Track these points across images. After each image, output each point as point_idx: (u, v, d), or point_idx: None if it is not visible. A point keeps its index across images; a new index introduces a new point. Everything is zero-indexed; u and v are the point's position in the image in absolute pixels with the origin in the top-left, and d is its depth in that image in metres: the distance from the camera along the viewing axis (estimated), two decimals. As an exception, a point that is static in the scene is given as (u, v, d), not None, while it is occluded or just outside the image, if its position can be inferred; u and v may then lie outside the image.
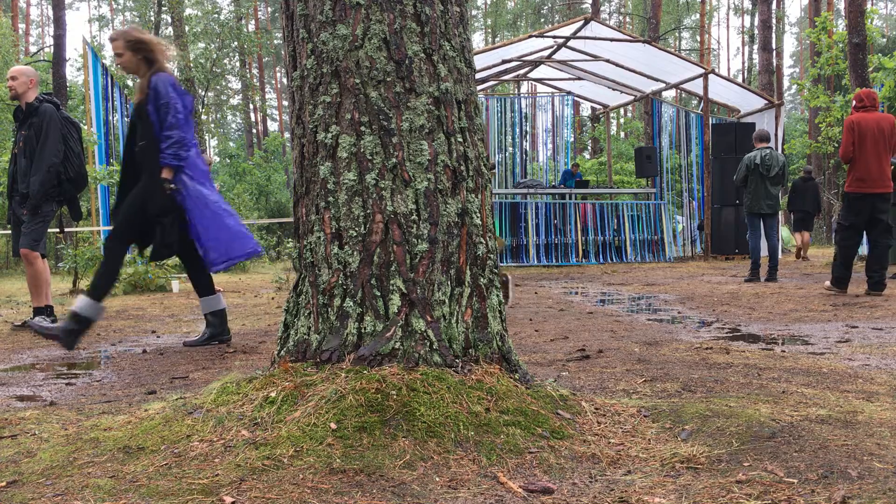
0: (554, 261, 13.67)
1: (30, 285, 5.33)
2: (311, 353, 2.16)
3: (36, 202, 5.13)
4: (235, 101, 39.13)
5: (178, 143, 3.93)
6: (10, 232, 6.65)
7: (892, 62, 10.79)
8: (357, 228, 2.14)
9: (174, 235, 4.05)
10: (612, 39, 13.80)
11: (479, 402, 1.97)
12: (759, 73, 21.88)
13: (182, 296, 8.54)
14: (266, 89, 45.00)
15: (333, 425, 1.84)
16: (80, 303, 3.92)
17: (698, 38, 40.69)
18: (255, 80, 39.25)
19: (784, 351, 3.64)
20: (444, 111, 2.20)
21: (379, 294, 2.11)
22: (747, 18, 37.02)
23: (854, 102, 6.75)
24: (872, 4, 40.06)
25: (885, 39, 31.04)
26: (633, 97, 16.92)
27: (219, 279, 10.75)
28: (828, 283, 6.83)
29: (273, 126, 46.86)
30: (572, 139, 22.15)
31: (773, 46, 23.81)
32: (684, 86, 15.12)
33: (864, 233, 6.73)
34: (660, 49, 14.42)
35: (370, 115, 2.15)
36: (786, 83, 44.71)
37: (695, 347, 3.77)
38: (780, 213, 10.07)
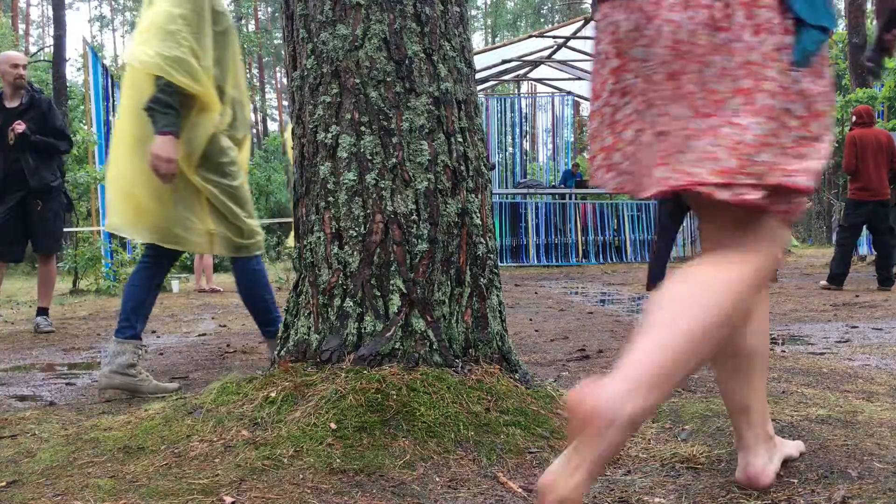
0: (554, 261, 13.67)
1: (44, 285, 5.27)
2: (311, 353, 2.16)
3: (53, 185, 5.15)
4: (235, 101, 38.98)
5: None
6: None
7: (893, 62, 10.79)
8: (357, 228, 2.14)
9: None
10: (612, 39, 13.78)
11: (479, 402, 1.97)
12: (759, 73, 21.79)
13: (182, 296, 8.53)
14: (266, 89, 44.98)
15: (333, 425, 1.84)
16: None
17: (698, 38, 40.59)
18: (255, 80, 39.22)
19: (784, 351, 3.64)
20: (444, 111, 2.20)
21: (379, 294, 2.11)
22: (747, 18, 36.96)
23: (854, 119, 7.60)
24: (872, 5, 39.98)
25: (885, 39, 30.96)
26: (633, 97, 16.89)
27: (219, 279, 10.75)
28: (823, 281, 7.41)
29: (273, 126, 46.84)
30: (572, 139, 22.13)
31: (773, 46, 23.69)
32: (684, 86, 15.10)
33: (868, 233, 7.52)
34: (660, 49, 14.41)
35: (370, 115, 2.15)
36: (786, 83, 44.59)
37: (695, 347, 3.76)
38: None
